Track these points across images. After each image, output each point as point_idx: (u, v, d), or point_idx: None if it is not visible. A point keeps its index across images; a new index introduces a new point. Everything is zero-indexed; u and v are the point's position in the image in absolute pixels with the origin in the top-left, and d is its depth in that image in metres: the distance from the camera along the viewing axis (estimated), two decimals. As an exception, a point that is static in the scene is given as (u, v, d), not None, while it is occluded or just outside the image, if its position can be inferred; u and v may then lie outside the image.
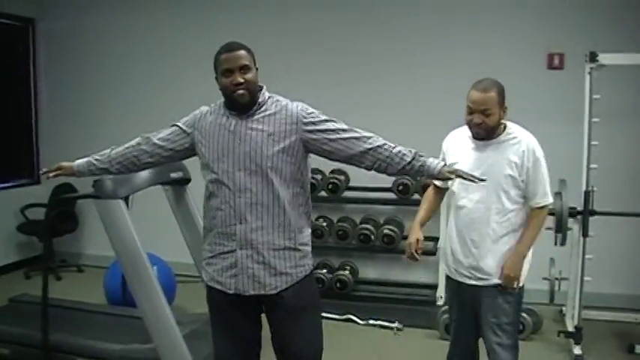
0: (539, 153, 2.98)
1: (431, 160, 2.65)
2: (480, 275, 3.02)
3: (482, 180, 2.65)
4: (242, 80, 2.61)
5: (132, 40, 6.88)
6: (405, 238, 5.59)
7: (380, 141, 2.65)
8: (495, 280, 3.00)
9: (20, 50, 7.21)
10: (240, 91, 2.62)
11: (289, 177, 2.70)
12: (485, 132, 2.94)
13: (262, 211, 2.66)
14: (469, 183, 2.76)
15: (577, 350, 4.41)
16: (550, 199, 3.06)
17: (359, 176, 5.70)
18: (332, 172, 5.84)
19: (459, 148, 3.09)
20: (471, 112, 2.93)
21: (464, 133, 3.07)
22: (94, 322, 4.65)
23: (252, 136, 2.65)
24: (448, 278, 3.24)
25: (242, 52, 2.64)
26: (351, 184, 5.92)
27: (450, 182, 3.07)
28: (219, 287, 2.77)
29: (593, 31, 5.29)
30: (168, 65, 6.72)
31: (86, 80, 7.10)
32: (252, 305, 2.78)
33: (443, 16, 5.82)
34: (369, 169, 2.69)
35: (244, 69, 2.63)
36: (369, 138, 2.66)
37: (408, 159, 2.61)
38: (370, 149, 2.63)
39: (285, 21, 6.29)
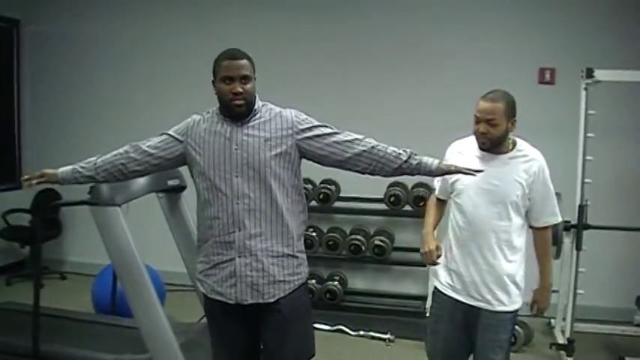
0: (547, 172, 2.99)
1: (426, 158, 2.67)
2: (484, 295, 2.97)
3: (479, 171, 2.67)
4: (241, 90, 2.60)
5: (120, 45, 6.81)
6: (396, 249, 5.64)
7: (373, 142, 2.68)
8: (504, 308, 2.95)
9: (4, 52, 7.08)
10: (238, 102, 2.61)
11: (287, 183, 2.70)
12: (490, 142, 2.90)
13: (261, 217, 2.65)
14: (476, 199, 2.85)
15: (569, 363, 4.44)
16: (559, 218, 3.09)
17: (350, 186, 5.74)
18: (323, 181, 5.83)
19: (464, 159, 2.98)
20: (477, 121, 2.91)
21: (471, 145, 3.01)
22: (84, 331, 4.56)
23: (249, 142, 2.64)
24: (441, 294, 3.13)
25: (244, 62, 2.64)
26: (342, 194, 5.92)
27: (455, 196, 3.04)
28: (219, 298, 2.74)
29: (584, 46, 5.37)
30: (157, 71, 6.68)
31: (71, 85, 7.01)
32: (250, 315, 2.75)
33: (435, 29, 5.87)
34: (364, 171, 2.70)
35: (245, 79, 2.62)
36: (362, 140, 2.69)
37: (404, 157, 2.64)
38: (364, 151, 2.65)
39: (284, 30, 6.29)
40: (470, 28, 5.78)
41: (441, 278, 3.12)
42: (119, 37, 6.80)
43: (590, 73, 4.48)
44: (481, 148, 2.95)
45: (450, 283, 3.05)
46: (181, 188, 4.24)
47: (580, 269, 4.58)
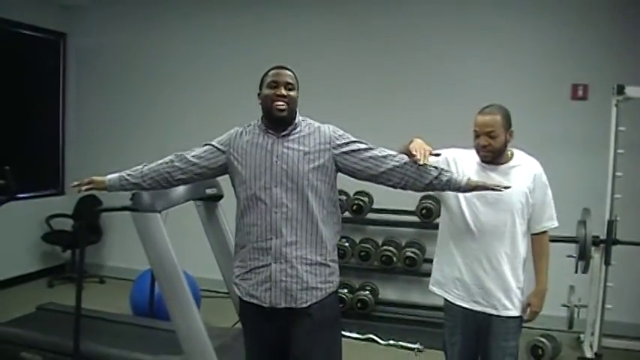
0: (545, 179, 3.07)
1: (456, 174, 2.80)
2: (491, 302, 3.04)
3: (507, 187, 2.74)
4: (285, 94, 2.76)
5: (160, 58, 7.04)
6: (427, 260, 5.70)
7: (405, 158, 2.78)
8: (510, 313, 3.02)
9: (51, 64, 7.38)
10: (281, 103, 2.76)
11: (323, 195, 2.82)
12: (492, 154, 2.99)
13: (297, 226, 2.78)
14: (481, 208, 2.96)
15: (597, 377, 4.47)
16: (556, 223, 3.13)
17: (383, 198, 5.83)
18: (356, 193, 5.94)
19: (468, 168, 3.06)
20: (477, 135, 2.99)
21: (472, 157, 3.09)
22: (122, 332, 4.71)
23: (289, 154, 2.78)
24: (451, 304, 3.18)
25: (290, 73, 2.82)
26: (375, 205, 6.01)
27: (460, 203, 3.07)
28: (254, 301, 2.86)
29: (616, 63, 5.40)
30: (196, 83, 6.88)
31: (114, 95, 7.26)
32: (283, 318, 2.86)
33: (468, 47, 5.94)
34: (396, 186, 2.81)
35: (289, 86, 2.79)
36: (395, 156, 2.80)
37: (435, 173, 2.75)
38: (397, 166, 2.76)
39: (313, 47, 6.45)
40: (504, 46, 5.85)
41: (449, 289, 3.17)
42: (162, 45, 7.03)
43: (621, 90, 4.54)
44: (483, 161, 3.03)
45: (457, 292, 3.11)
46: (219, 197, 4.38)
47: (608, 284, 4.61)
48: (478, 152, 3.02)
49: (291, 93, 2.79)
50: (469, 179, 2.77)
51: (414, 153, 2.73)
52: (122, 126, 7.23)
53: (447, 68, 6.00)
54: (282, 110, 2.77)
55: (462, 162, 3.09)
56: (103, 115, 7.32)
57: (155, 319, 4.93)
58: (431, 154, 2.78)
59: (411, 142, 2.87)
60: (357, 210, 5.92)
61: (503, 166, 3.02)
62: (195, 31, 6.91)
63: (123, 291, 5.98)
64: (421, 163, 2.71)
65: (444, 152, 3.13)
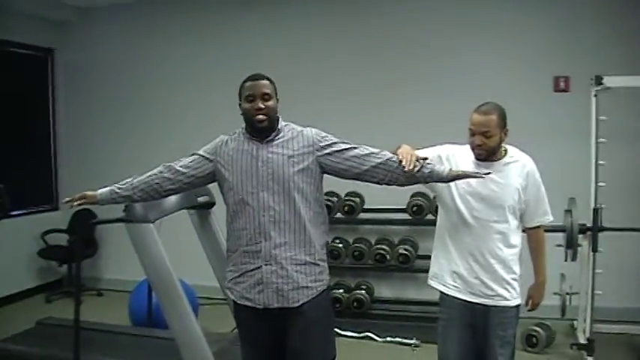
0: (538, 175, 3.14)
1: (438, 166, 2.90)
2: (487, 293, 3.10)
3: (487, 173, 2.85)
4: (263, 106, 2.83)
5: (149, 71, 7.09)
6: (420, 257, 5.78)
7: (388, 154, 2.87)
8: (506, 303, 3.09)
9: (40, 80, 7.42)
10: (261, 116, 2.83)
11: (309, 196, 2.90)
12: (486, 153, 3.05)
13: (285, 228, 2.86)
14: (475, 204, 3.03)
15: (590, 362, 4.55)
16: (551, 217, 3.22)
17: (374, 198, 5.91)
18: (347, 194, 6.01)
19: (463, 165, 3.11)
20: (472, 134, 3.06)
21: (467, 154, 3.14)
22: (121, 342, 4.79)
23: (274, 159, 2.86)
24: (447, 297, 3.23)
25: (265, 82, 2.88)
26: (366, 205, 6.09)
27: (454, 199, 3.14)
28: (248, 304, 2.94)
29: (597, 54, 5.49)
30: (186, 95, 6.93)
31: (104, 109, 7.32)
32: (276, 318, 2.93)
33: (450, 40, 6.02)
34: (381, 182, 2.89)
35: (266, 96, 2.85)
36: (377, 153, 2.88)
37: (418, 166, 2.82)
38: (380, 163, 2.85)
39: (302, 52, 6.52)
40: (487, 40, 5.95)
41: (445, 281, 3.23)
42: (150, 60, 7.08)
43: (599, 81, 4.63)
44: (477, 159, 3.09)
45: (454, 284, 3.18)
46: (211, 204, 4.44)
47: (597, 271, 4.70)
48: (473, 150, 3.09)
49: (269, 103, 2.86)
50: (450, 169, 2.87)
51: (401, 159, 2.81)
52: (113, 139, 7.28)
53: (440, 64, 6.08)
54: (262, 122, 2.85)
55: (456, 159, 3.15)
56: (94, 129, 7.37)
57: (154, 328, 4.99)
58: (417, 160, 2.83)
59: (399, 147, 2.95)
60: (348, 210, 5.99)
61: (496, 163, 3.09)
62: (185, 43, 6.96)
63: (121, 302, 6.03)
64: (407, 169, 2.79)
65: (438, 149, 3.22)
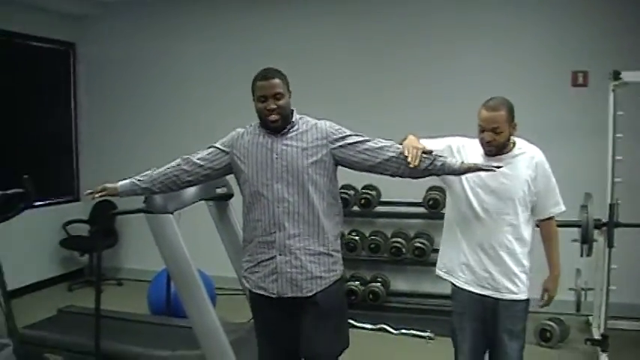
0: (548, 166, 3.15)
1: (450, 158, 2.93)
2: (496, 286, 3.13)
3: (499, 167, 2.88)
4: (275, 107, 2.89)
5: (169, 64, 7.20)
6: (435, 250, 5.78)
7: (401, 148, 2.92)
8: (515, 297, 3.12)
9: (62, 73, 7.54)
10: (273, 117, 2.90)
11: (323, 188, 2.96)
12: (496, 149, 3.08)
13: (299, 219, 2.93)
14: (485, 197, 3.06)
15: (604, 358, 4.56)
16: (563, 207, 3.22)
17: (390, 191, 5.95)
18: (364, 187, 6.06)
19: (472, 158, 3.13)
20: (482, 130, 3.08)
21: (476, 147, 3.17)
22: (140, 330, 4.87)
23: (288, 151, 2.92)
24: (459, 289, 3.27)
25: (276, 81, 2.93)
26: (383, 198, 6.14)
27: (465, 191, 3.15)
28: (263, 293, 3.02)
29: (615, 50, 5.49)
30: (203, 89, 7.04)
31: (124, 103, 7.44)
32: (290, 307, 3.01)
33: (468, 40, 6.07)
34: (394, 174, 2.94)
35: (278, 96, 2.91)
36: (390, 146, 2.94)
37: (430, 160, 2.87)
38: (393, 156, 2.90)
39: (315, 46, 6.59)
40: (504, 39, 5.97)
41: (455, 273, 3.26)
42: (170, 54, 7.18)
43: (617, 75, 4.61)
44: (487, 154, 3.10)
45: (463, 276, 3.21)
46: (229, 196, 4.51)
47: (612, 266, 4.70)
48: (482, 146, 3.11)
49: (281, 102, 2.91)
50: (462, 162, 2.91)
51: (406, 154, 2.86)
52: (133, 131, 7.40)
53: (447, 62, 6.12)
54: (275, 121, 2.92)
55: (466, 150, 3.18)
56: (114, 121, 7.49)
57: (172, 316, 5.09)
58: (424, 153, 2.88)
59: (405, 138, 3.00)
60: (365, 204, 6.04)
61: (505, 156, 3.10)
62: (203, 36, 7.06)
63: (140, 292, 6.13)
64: (412, 165, 2.84)
65: (449, 140, 3.25)
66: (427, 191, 5.86)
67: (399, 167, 2.91)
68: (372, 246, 6.00)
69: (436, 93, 6.10)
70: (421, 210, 5.98)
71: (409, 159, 2.84)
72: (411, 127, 5.51)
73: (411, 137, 3.00)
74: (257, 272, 3.02)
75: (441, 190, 5.75)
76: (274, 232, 2.93)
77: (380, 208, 6.18)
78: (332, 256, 3.02)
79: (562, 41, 5.79)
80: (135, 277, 7.15)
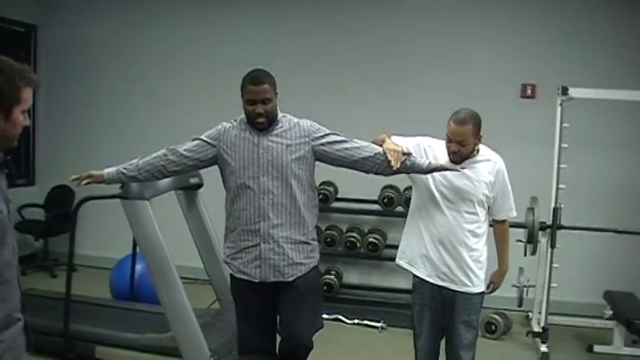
0: (506, 173, 3.44)
1: (419, 158, 3.26)
2: (453, 279, 3.39)
3: (463, 168, 3.23)
4: (262, 111, 3.12)
5: (134, 52, 7.20)
6: (388, 246, 6.09)
7: (376, 148, 3.23)
8: (470, 290, 3.39)
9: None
10: (261, 119, 3.14)
11: (304, 182, 3.24)
12: (460, 159, 3.33)
13: (282, 210, 3.18)
14: (449, 195, 3.33)
15: (543, 348, 4.93)
16: (515, 213, 3.56)
17: (347, 188, 6.21)
18: (322, 183, 6.26)
19: (439, 159, 3.37)
20: (449, 140, 3.33)
21: (444, 149, 3.39)
22: (106, 314, 5.00)
23: (274, 147, 3.17)
24: (419, 280, 3.49)
25: (266, 87, 3.13)
26: (340, 195, 6.38)
27: (431, 190, 3.39)
28: (245, 277, 3.25)
29: (563, 64, 5.89)
30: (170, 78, 7.03)
31: (85, 88, 7.39)
32: (270, 291, 3.25)
33: (427, 44, 6.34)
34: (368, 172, 3.27)
35: (266, 101, 3.13)
36: (366, 147, 3.25)
37: (409, 160, 3.21)
38: (369, 156, 3.21)
39: (297, 47, 6.67)
40: (462, 46, 6.26)
41: (415, 263, 3.50)
42: (133, 41, 7.18)
43: (565, 91, 4.99)
44: (452, 161, 3.35)
45: (424, 268, 3.46)
46: (199, 186, 4.69)
47: (554, 265, 5.09)
48: (448, 153, 3.35)
49: (269, 106, 3.13)
50: (430, 162, 3.24)
51: (389, 159, 3.14)
52: (93, 118, 7.37)
53: (422, 63, 6.37)
54: (262, 123, 3.15)
55: (433, 150, 3.43)
56: (74, 107, 7.43)
57: (135, 302, 5.22)
58: (403, 154, 3.18)
59: (383, 140, 3.28)
60: (322, 199, 6.23)
61: (469, 161, 3.36)
62: (174, 24, 7.06)
63: (94, 278, 6.30)
64: (395, 168, 3.14)
65: (418, 139, 3.50)
66: (382, 189, 6.11)
67: (374, 166, 3.22)
68: (328, 240, 6.21)
69: (413, 87, 6.35)
70: (376, 207, 6.23)
71: (392, 162, 3.12)
72: (393, 118, 5.70)
73: (388, 141, 3.28)
74: (240, 258, 3.25)
75: (396, 188, 6.06)
76: (259, 222, 3.16)
77: (336, 204, 6.40)
78: (310, 244, 3.29)
79: (514, 55, 6.13)
80: (89, 263, 7.14)
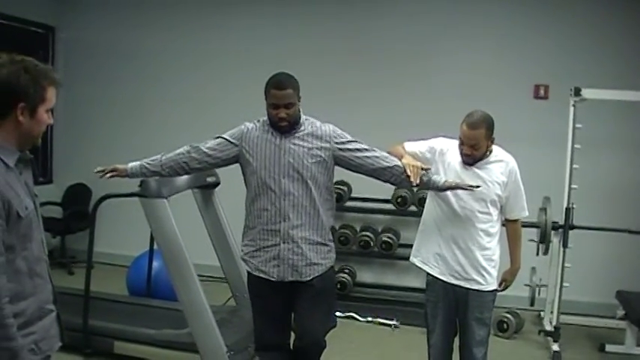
0: (519, 173, 3.51)
1: (435, 175, 3.33)
2: (466, 277, 3.46)
3: (477, 187, 3.27)
4: (285, 116, 3.19)
5: (149, 52, 7.26)
6: (401, 245, 6.14)
7: (395, 161, 3.30)
8: (483, 287, 3.46)
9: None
10: (284, 123, 3.21)
11: (322, 185, 3.31)
12: (473, 161, 3.41)
13: (302, 211, 3.26)
14: (463, 196, 3.38)
15: (555, 347, 4.97)
16: (527, 212, 3.63)
17: (361, 188, 6.24)
18: (336, 182, 6.27)
19: (453, 161, 3.47)
20: (462, 142, 3.40)
21: (457, 151, 3.46)
22: (124, 310, 5.08)
23: (295, 150, 3.24)
24: (432, 278, 3.57)
25: (289, 92, 3.20)
26: (353, 194, 6.42)
27: (447, 193, 3.45)
28: (263, 276, 3.33)
29: (575, 65, 5.90)
30: (184, 79, 7.10)
31: (101, 88, 7.46)
32: (287, 289, 3.33)
33: (439, 47, 6.38)
34: (385, 182, 3.35)
35: (289, 105, 3.19)
36: (386, 157, 3.32)
37: (427, 176, 3.30)
38: (388, 167, 3.28)
39: (309, 44, 6.72)
40: (474, 47, 6.30)
41: (429, 262, 3.58)
42: (148, 42, 7.24)
43: (577, 92, 5.02)
44: (465, 163, 3.44)
45: (437, 266, 3.54)
46: (216, 184, 4.76)
47: (566, 265, 5.13)
48: (461, 155, 3.43)
49: (291, 110, 3.19)
50: (446, 180, 3.30)
51: (408, 174, 3.22)
52: (110, 117, 7.45)
53: (431, 65, 6.40)
54: (284, 127, 3.22)
55: (448, 154, 3.50)
56: (91, 106, 7.49)
57: (152, 298, 5.30)
58: (422, 170, 3.27)
59: (402, 156, 3.36)
60: (337, 198, 6.19)
61: (482, 162, 3.43)
62: (187, 26, 7.12)
63: (112, 275, 6.36)
64: (414, 184, 3.24)
65: (433, 141, 3.58)
66: (395, 189, 6.13)
67: (391, 177, 3.30)
68: (342, 238, 6.26)
69: (421, 91, 6.38)
70: (389, 207, 6.27)
71: (412, 178, 3.21)
72: (399, 122, 5.75)
73: (407, 157, 3.36)
74: (258, 257, 3.32)
75: (409, 188, 6.09)
76: (280, 222, 3.24)
77: (350, 203, 6.45)
78: (327, 245, 3.37)
79: (526, 55, 6.15)
80: (105, 260, 7.20)
